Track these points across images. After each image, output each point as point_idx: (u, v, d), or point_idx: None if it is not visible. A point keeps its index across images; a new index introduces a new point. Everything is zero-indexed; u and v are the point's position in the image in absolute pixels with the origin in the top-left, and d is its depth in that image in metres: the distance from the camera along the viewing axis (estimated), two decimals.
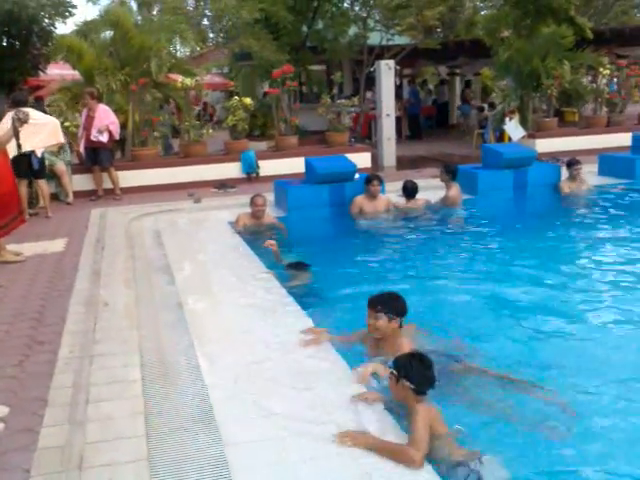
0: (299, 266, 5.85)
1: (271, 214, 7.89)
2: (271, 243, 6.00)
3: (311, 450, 2.89)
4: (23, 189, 8.53)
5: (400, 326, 3.80)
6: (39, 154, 8.74)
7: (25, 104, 8.59)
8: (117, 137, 10.57)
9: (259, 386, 3.54)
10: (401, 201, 8.61)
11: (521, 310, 5.02)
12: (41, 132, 8.55)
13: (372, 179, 8.29)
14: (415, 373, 3.01)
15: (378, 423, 3.08)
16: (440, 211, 8.48)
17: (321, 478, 2.70)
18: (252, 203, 7.45)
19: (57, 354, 4.00)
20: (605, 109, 13.94)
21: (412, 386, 2.98)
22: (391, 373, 3.11)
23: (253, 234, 7.24)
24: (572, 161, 9.32)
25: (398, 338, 3.76)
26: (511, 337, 4.45)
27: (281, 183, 9.13)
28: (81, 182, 10.49)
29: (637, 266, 5.95)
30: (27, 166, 8.51)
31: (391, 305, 3.77)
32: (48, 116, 9.39)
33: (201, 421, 3.14)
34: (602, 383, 3.72)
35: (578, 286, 5.52)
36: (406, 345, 3.67)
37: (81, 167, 10.65)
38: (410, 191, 8.49)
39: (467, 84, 21.93)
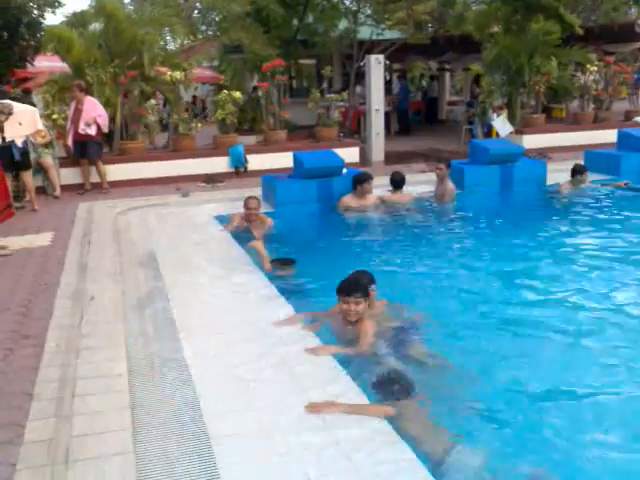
0: (285, 261, 5.90)
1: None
2: (253, 244, 6.02)
3: (301, 445, 2.93)
4: (8, 182, 8.49)
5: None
6: (19, 144, 8.65)
7: (5, 96, 8.56)
8: (106, 130, 10.54)
9: (245, 379, 3.58)
10: (387, 194, 8.66)
11: (494, 301, 5.18)
12: (19, 121, 8.52)
13: (366, 179, 8.27)
14: (403, 395, 3.29)
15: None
16: (431, 205, 8.56)
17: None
18: (245, 205, 7.20)
19: (43, 348, 4.02)
20: (592, 105, 14.04)
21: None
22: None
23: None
24: (580, 169, 9.15)
25: (365, 320, 4.10)
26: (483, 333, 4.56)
27: (269, 178, 9.14)
28: (68, 176, 10.43)
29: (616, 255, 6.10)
30: (9, 158, 8.44)
31: (366, 289, 4.14)
32: (26, 105, 9.31)
33: (187, 414, 3.18)
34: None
35: (553, 274, 5.78)
36: (369, 327, 4.05)
37: (68, 161, 10.59)
38: (397, 182, 8.55)
39: (476, 80, 21.84)
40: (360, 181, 8.25)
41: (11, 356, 3.95)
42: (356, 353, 3.91)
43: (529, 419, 3.44)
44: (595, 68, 13.64)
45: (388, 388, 3.31)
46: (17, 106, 8.65)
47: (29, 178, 8.89)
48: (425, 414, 3.27)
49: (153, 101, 12.27)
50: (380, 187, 8.88)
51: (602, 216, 8.04)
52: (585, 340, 4.36)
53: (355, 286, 4.07)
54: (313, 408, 3.20)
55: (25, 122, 8.62)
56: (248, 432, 3.04)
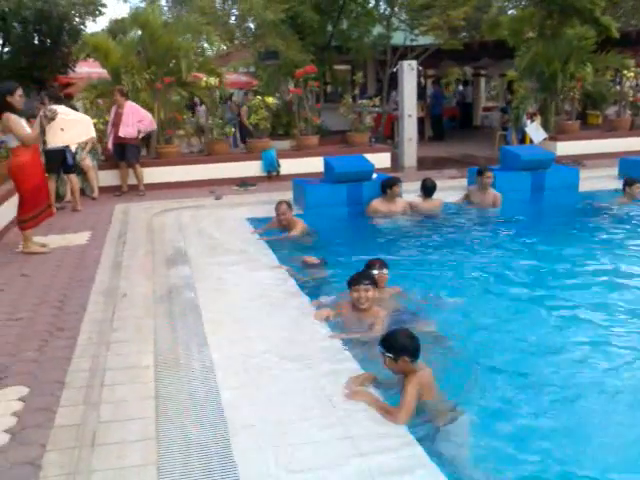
0: (316, 262, 6.03)
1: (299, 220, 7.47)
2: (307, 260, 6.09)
3: (310, 437, 3.04)
4: (52, 183, 8.89)
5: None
6: (73, 149, 9.22)
7: (59, 101, 9.01)
8: (154, 127, 10.90)
9: (266, 373, 3.73)
10: (417, 200, 8.71)
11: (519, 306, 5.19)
12: (74, 128, 9.01)
13: (395, 182, 8.34)
14: (409, 347, 3.38)
15: None
16: (471, 212, 8.64)
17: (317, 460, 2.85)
18: (275, 210, 7.32)
19: (76, 340, 4.22)
20: (629, 112, 13.83)
21: (410, 359, 3.36)
22: (385, 355, 3.41)
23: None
24: (630, 181, 8.72)
25: (374, 306, 4.50)
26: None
27: (300, 182, 9.29)
28: (106, 178, 10.77)
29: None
30: (61, 161, 9.00)
31: (373, 277, 4.58)
32: (80, 113, 9.82)
33: (208, 405, 3.33)
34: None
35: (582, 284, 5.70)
36: (381, 312, 4.47)
37: (106, 163, 10.94)
38: (428, 189, 8.58)
39: (509, 86, 21.69)
40: (389, 185, 8.32)
41: (46, 347, 4.15)
42: (369, 338, 4.16)
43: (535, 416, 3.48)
44: (632, 74, 13.44)
45: (404, 343, 3.39)
46: (72, 113, 9.21)
47: (75, 180, 9.27)
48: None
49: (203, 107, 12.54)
50: (411, 192, 8.94)
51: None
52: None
53: (363, 275, 4.54)
54: (350, 394, 3.40)
55: (79, 129, 9.13)
56: (265, 423, 3.16)
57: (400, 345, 3.37)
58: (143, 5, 18.86)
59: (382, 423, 3.15)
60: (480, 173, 8.77)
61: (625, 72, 13.58)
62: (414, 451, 2.93)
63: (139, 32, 12.36)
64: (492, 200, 8.71)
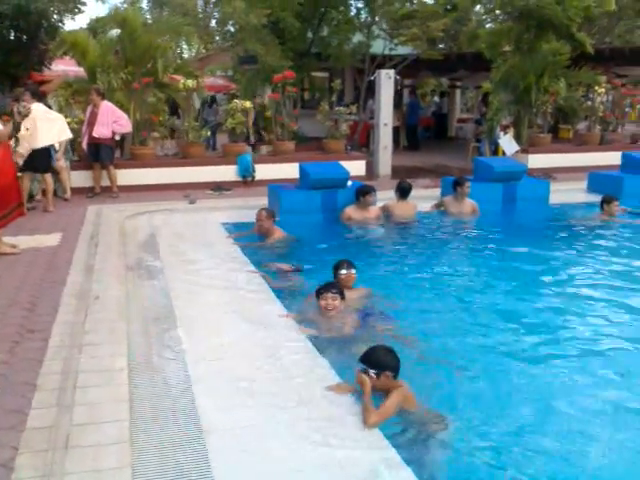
0: (291, 269, 6.08)
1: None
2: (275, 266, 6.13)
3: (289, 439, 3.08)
4: (27, 182, 8.80)
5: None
6: (57, 148, 9.28)
7: (40, 98, 9.02)
8: (129, 129, 10.83)
9: (241, 376, 3.76)
10: (392, 202, 8.80)
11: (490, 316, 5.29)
12: (54, 127, 8.97)
13: (369, 191, 8.40)
14: (390, 363, 3.49)
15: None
16: (448, 221, 8.76)
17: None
18: (255, 216, 7.28)
19: (47, 342, 4.18)
20: (599, 127, 14.16)
21: (392, 374, 3.46)
22: (368, 372, 3.43)
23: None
24: (607, 199, 8.69)
25: (345, 313, 4.72)
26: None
27: (275, 187, 9.31)
28: (79, 179, 10.65)
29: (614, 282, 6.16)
30: (47, 160, 9.04)
31: (339, 288, 4.73)
32: (55, 112, 9.77)
33: (182, 408, 3.34)
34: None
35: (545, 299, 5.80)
36: (348, 317, 4.68)
37: (80, 164, 10.82)
38: (404, 190, 8.68)
39: (484, 98, 21.98)
40: (363, 193, 8.39)
41: (16, 348, 4.11)
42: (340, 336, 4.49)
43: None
44: (603, 90, 13.77)
45: (386, 360, 3.48)
46: (53, 113, 9.30)
47: (50, 180, 9.17)
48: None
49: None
50: (385, 201, 9.04)
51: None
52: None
53: (331, 284, 4.75)
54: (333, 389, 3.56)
55: (57, 128, 9.09)
56: (241, 427, 3.19)
57: (383, 362, 3.45)
58: (123, 5, 18.81)
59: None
60: (459, 183, 8.90)
61: (597, 88, 13.91)
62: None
63: (118, 31, 12.28)
64: (471, 209, 8.88)
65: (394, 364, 3.48)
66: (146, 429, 3.12)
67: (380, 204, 8.77)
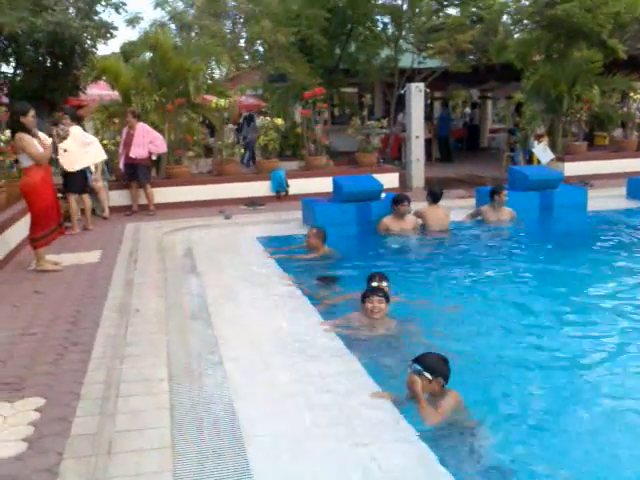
0: (329, 279, 6.10)
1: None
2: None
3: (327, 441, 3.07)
4: (74, 203, 9.06)
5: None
6: (93, 169, 9.57)
7: (78, 121, 9.35)
8: (164, 150, 11.06)
9: (278, 384, 3.78)
10: (424, 208, 8.79)
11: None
12: (90, 150, 9.25)
13: (402, 200, 8.42)
14: (444, 371, 3.53)
15: None
16: (484, 229, 8.77)
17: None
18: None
19: (90, 354, 4.26)
20: (636, 133, 13.90)
21: (444, 382, 3.51)
22: (422, 374, 3.48)
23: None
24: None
25: (386, 317, 4.88)
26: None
27: (309, 201, 9.36)
28: (117, 198, 10.89)
29: None
30: (83, 182, 9.35)
31: (386, 293, 4.93)
32: (91, 135, 10.07)
33: (222, 415, 3.36)
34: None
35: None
36: (392, 322, 4.87)
37: (117, 183, 11.07)
38: (435, 195, 8.68)
39: (517, 108, 21.90)
40: (396, 202, 8.39)
41: (61, 360, 4.20)
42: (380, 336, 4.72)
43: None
44: (638, 96, 13.53)
45: (440, 366, 3.52)
46: (87, 135, 9.60)
47: (88, 200, 9.43)
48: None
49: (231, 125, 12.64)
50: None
51: None
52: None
53: (377, 289, 4.94)
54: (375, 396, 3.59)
55: (93, 151, 9.40)
56: (279, 434, 3.19)
57: (438, 367, 3.50)
58: (152, 29, 19.27)
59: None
60: (496, 191, 8.87)
61: (632, 94, 13.68)
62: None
63: (150, 54, 12.57)
64: (509, 217, 8.88)
65: (447, 372, 3.53)
66: (187, 436, 3.15)
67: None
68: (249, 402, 3.55)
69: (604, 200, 10.24)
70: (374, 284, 5.09)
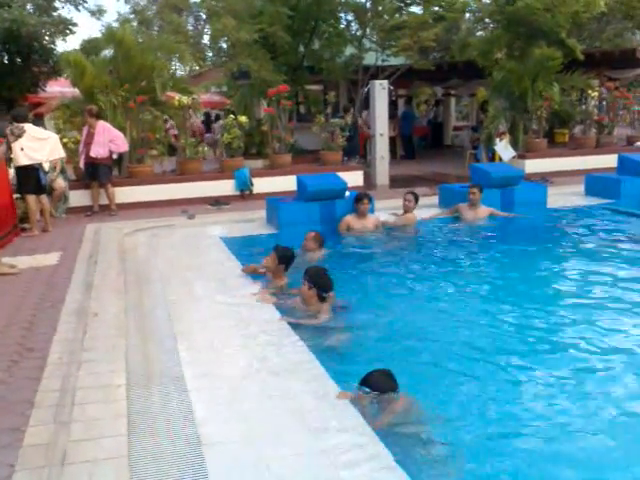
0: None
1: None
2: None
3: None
4: (32, 204, 8.79)
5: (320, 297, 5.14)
6: (46, 169, 9.17)
7: (25, 120, 8.95)
8: (126, 149, 10.87)
9: (239, 388, 3.76)
10: (391, 219, 8.82)
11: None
12: (44, 147, 8.95)
13: (362, 198, 8.48)
14: (389, 385, 3.60)
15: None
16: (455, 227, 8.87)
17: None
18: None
19: (46, 360, 4.16)
20: (594, 130, 14.19)
21: (395, 394, 3.58)
22: (372, 395, 3.54)
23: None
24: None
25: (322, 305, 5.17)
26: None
27: (273, 200, 9.31)
28: (77, 198, 10.68)
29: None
30: (36, 181, 8.91)
31: (318, 281, 5.13)
32: (48, 131, 9.79)
33: (181, 422, 3.31)
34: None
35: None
36: (325, 305, 5.14)
37: (77, 183, 10.86)
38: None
39: (482, 106, 22.14)
40: (357, 200, 8.43)
41: (15, 367, 4.09)
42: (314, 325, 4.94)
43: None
44: (596, 94, 13.82)
45: (383, 382, 3.58)
46: (40, 132, 9.15)
47: (46, 201, 9.18)
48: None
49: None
50: (385, 210, 9.08)
51: None
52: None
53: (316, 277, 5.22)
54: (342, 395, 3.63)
55: (49, 148, 9.07)
56: (239, 440, 3.16)
57: (382, 385, 3.56)
58: (115, 25, 18.97)
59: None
60: (468, 190, 8.98)
61: (590, 92, 13.96)
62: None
63: (112, 51, 12.36)
64: (487, 214, 9.02)
65: (393, 385, 3.58)
66: (144, 443, 3.10)
67: (380, 214, 8.79)
68: (209, 408, 3.52)
69: (563, 197, 10.43)
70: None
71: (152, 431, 3.22)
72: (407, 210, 8.62)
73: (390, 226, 8.65)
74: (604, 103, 14.45)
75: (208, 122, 13.82)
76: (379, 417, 3.41)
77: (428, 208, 9.56)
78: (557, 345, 4.75)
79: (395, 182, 13.34)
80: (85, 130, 10.55)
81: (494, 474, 3.11)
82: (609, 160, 12.24)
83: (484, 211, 9.03)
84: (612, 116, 14.39)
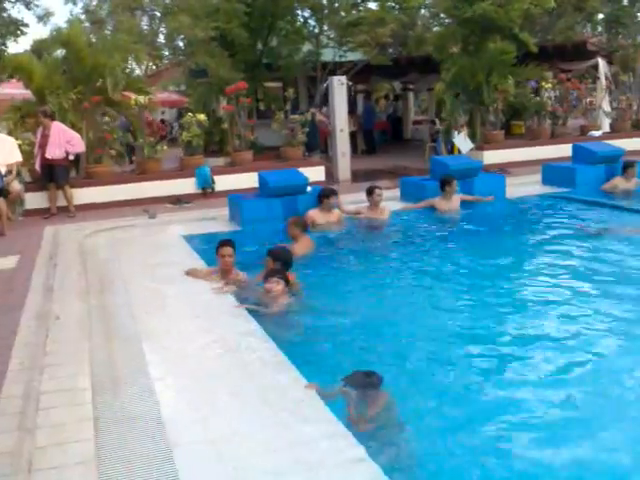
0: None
1: None
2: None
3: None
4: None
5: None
6: (3, 172, 8.90)
7: None
8: (82, 149, 10.68)
9: (207, 387, 3.74)
10: (351, 208, 8.89)
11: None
12: (1, 151, 8.74)
13: (329, 193, 8.48)
14: (372, 383, 3.60)
15: None
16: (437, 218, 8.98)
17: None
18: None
19: (7, 366, 4.06)
20: (549, 121, 14.51)
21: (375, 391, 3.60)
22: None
23: None
24: (627, 163, 9.91)
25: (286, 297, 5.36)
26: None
27: (235, 197, 9.27)
28: (34, 200, 10.44)
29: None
30: None
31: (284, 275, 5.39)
32: (4, 135, 9.55)
33: (148, 423, 3.27)
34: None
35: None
36: (283, 298, 5.29)
37: (34, 185, 10.62)
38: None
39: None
40: (325, 195, 8.43)
41: None
42: (271, 313, 5.11)
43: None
44: (550, 85, 14.12)
45: (363, 379, 3.59)
46: (3, 136, 8.93)
47: (2, 203, 8.95)
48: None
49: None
50: (347, 204, 9.12)
51: None
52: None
53: (276, 271, 5.42)
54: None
55: (6, 151, 8.85)
56: (207, 439, 3.15)
57: (363, 382, 3.57)
58: (65, 25, 18.61)
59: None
60: (447, 182, 9.07)
61: (543, 84, 14.25)
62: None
63: (64, 51, 12.11)
64: (458, 203, 9.18)
65: (376, 383, 3.59)
66: (112, 446, 3.05)
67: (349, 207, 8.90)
68: (176, 408, 3.49)
69: (521, 187, 10.64)
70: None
71: (119, 434, 3.18)
72: (377, 204, 8.68)
73: (363, 219, 8.69)
74: (557, 94, 14.76)
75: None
76: (365, 413, 3.42)
77: (390, 201, 9.63)
78: (520, 331, 4.85)
79: (357, 176, 13.41)
80: (39, 132, 10.32)
81: (463, 464, 3.16)
82: (564, 150, 12.49)
83: (456, 200, 9.20)
84: (565, 107, 14.72)
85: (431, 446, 3.30)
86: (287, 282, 5.38)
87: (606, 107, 15.64)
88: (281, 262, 5.80)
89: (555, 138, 14.18)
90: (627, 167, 9.91)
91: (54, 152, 10.12)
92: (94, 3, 23.83)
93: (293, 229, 7.17)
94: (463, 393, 3.91)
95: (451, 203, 9.15)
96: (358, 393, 3.52)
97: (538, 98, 14.87)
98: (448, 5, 14.67)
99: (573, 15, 21.12)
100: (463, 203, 9.29)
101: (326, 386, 3.67)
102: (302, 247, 7.00)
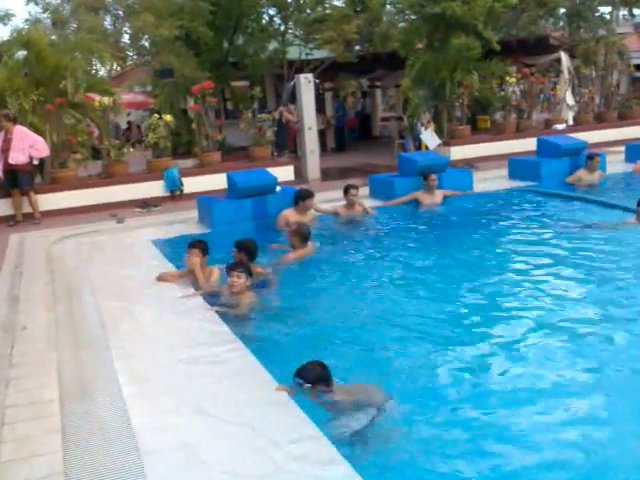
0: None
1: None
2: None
3: None
4: None
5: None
6: None
7: None
8: (47, 153, 10.51)
9: (176, 395, 3.69)
10: (327, 207, 8.94)
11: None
12: None
13: (306, 197, 8.41)
14: (322, 376, 3.62)
15: None
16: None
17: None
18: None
19: None
20: (514, 115, 14.71)
21: (326, 386, 3.60)
22: (304, 386, 3.57)
23: None
24: (590, 156, 10.14)
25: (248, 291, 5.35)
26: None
27: (204, 199, 9.21)
28: None
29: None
30: None
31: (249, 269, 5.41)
32: None
33: (118, 433, 3.24)
34: None
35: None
36: (248, 296, 5.30)
37: None
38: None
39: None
40: (303, 197, 8.40)
41: None
42: (237, 314, 5.09)
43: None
44: (514, 80, 14.32)
45: (314, 372, 3.60)
46: None
47: None
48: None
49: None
50: (319, 203, 9.11)
51: None
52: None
53: (238, 264, 5.42)
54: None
55: None
56: (177, 446, 3.13)
57: (314, 375, 3.57)
58: (26, 26, 18.25)
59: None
60: (426, 177, 9.26)
61: (507, 78, 14.45)
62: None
63: (24, 52, 11.89)
64: (441, 198, 9.41)
65: (325, 376, 3.60)
66: (81, 458, 3.01)
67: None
68: (146, 416, 3.45)
69: (488, 182, 10.77)
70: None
71: (88, 444, 3.14)
72: (352, 203, 8.71)
73: (338, 216, 8.74)
74: (521, 89, 14.96)
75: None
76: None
77: (360, 199, 9.65)
78: (487, 321, 4.96)
79: (326, 175, 13.44)
80: (1, 136, 10.12)
81: (436, 461, 3.20)
82: (529, 144, 12.68)
83: (439, 194, 9.37)
84: (530, 101, 14.94)
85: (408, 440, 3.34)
86: (250, 274, 5.37)
87: (569, 100, 15.90)
88: (245, 252, 5.84)
89: (520, 132, 14.37)
90: (590, 159, 10.11)
91: (17, 157, 9.93)
92: (56, 2, 23.38)
93: (291, 238, 6.97)
94: (442, 387, 3.96)
95: (434, 197, 9.31)
96: (307, 388, 3.54)
97: (503, 93, 15.04)
98: (413, 1, 14.76)
99: (536, 10, 21.35)
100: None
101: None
102: (296, 255, 6.89)
